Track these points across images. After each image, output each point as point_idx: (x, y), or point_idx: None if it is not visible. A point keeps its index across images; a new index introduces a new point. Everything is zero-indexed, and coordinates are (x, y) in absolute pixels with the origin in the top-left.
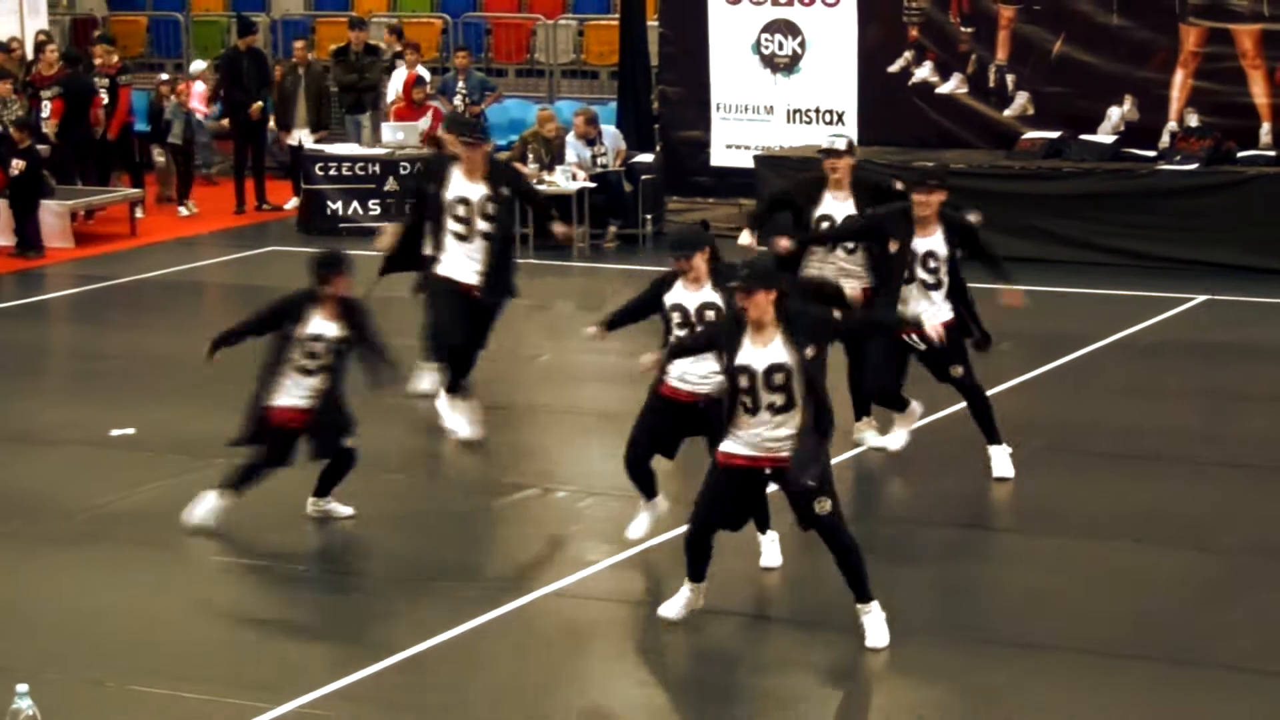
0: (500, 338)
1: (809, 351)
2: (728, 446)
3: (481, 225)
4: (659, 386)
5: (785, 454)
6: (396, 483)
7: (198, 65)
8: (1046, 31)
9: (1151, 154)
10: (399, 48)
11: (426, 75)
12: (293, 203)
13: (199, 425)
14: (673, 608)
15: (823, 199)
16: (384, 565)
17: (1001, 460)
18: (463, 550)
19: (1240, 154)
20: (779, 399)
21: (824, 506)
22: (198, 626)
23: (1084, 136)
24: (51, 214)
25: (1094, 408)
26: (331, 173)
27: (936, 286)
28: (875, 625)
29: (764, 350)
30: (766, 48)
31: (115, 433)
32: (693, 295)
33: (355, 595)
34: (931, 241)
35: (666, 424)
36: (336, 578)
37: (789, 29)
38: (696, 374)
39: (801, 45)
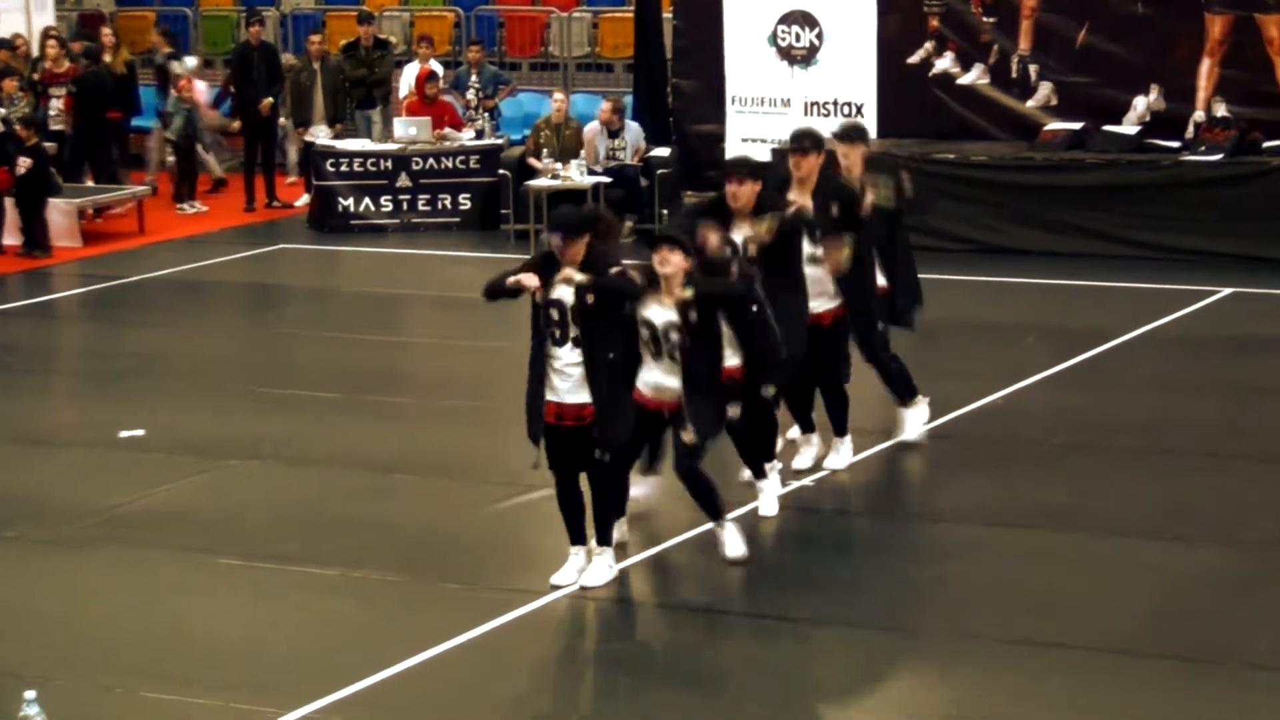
0: (507, 335)
1: (589, 299)
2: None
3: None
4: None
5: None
6: (408, 484)
7: (190, 62)
8: (1070, 20)
9: (1176, 145)
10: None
11: (439, 70)
12: (303, 199)
13: (210, 426)
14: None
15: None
16: (396, 568)
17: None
18: (476, 553)
19: (1266, 144)
20: (558, 331)
21: (604, 456)
22: (209, 630)
23: (1107, 127)
24: (59, 213)
25: (1118, 402)
26: (343, 169)
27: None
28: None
29: (567, 289)
30: (783, 39)
31: (124, 434)
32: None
33: (368, 599)
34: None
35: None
36: (349, 581)
37: (806, 20)
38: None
39: (819, 36)
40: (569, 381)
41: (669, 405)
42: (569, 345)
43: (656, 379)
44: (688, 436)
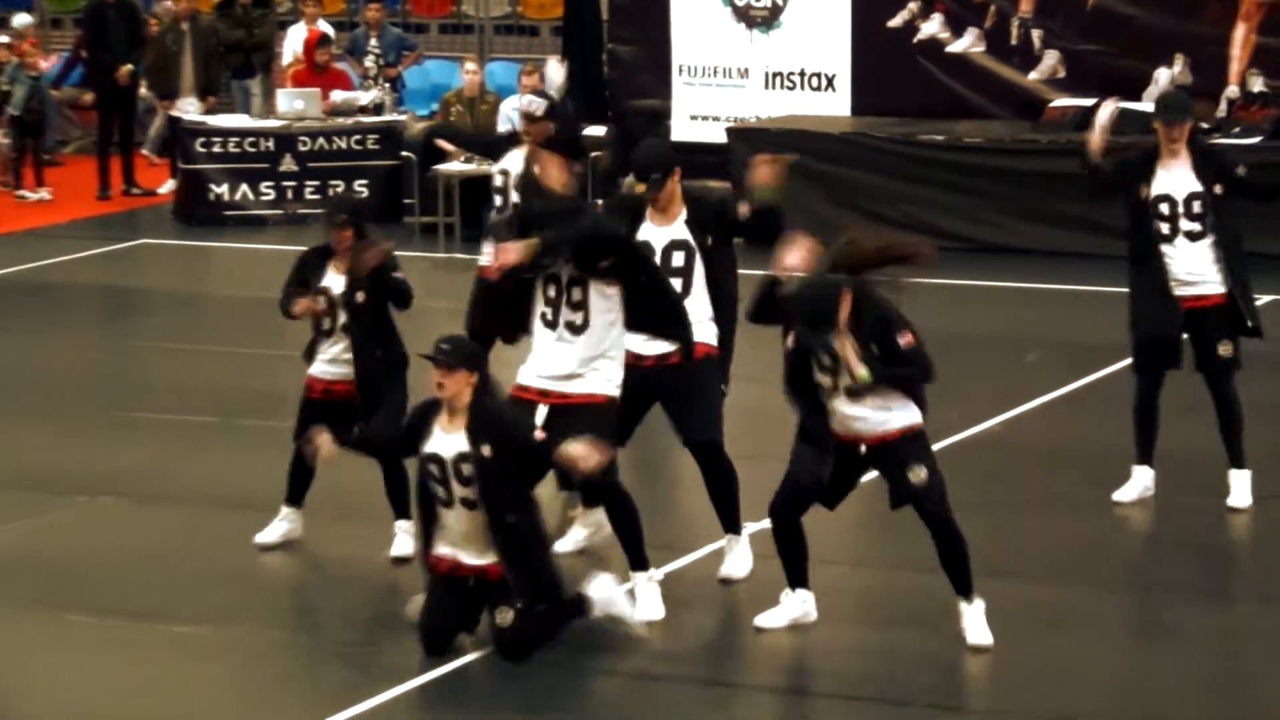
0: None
1: (485, 451)
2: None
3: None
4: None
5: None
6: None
7: (22, 19)
8: None
9: (1205, 126)
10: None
11: (331, 32)
12: (168, 186)
13: (55, 456)
14: None
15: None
16: (278, 625)
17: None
18: (375, 608)
19: None
20: (470, 493)
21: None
22: (55, 700)
23: (1125, 104)
24: None
25: None
26: (215, 150)
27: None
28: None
29: (453, 438)
30: None
31: None
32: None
33: (244, 662)
34: None
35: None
36: (222, 641)
37: None
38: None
39: None
40: (466, 543)
41: (871, 439)
42: (457, 507)
43: (845, 409)
44: (916, 476)
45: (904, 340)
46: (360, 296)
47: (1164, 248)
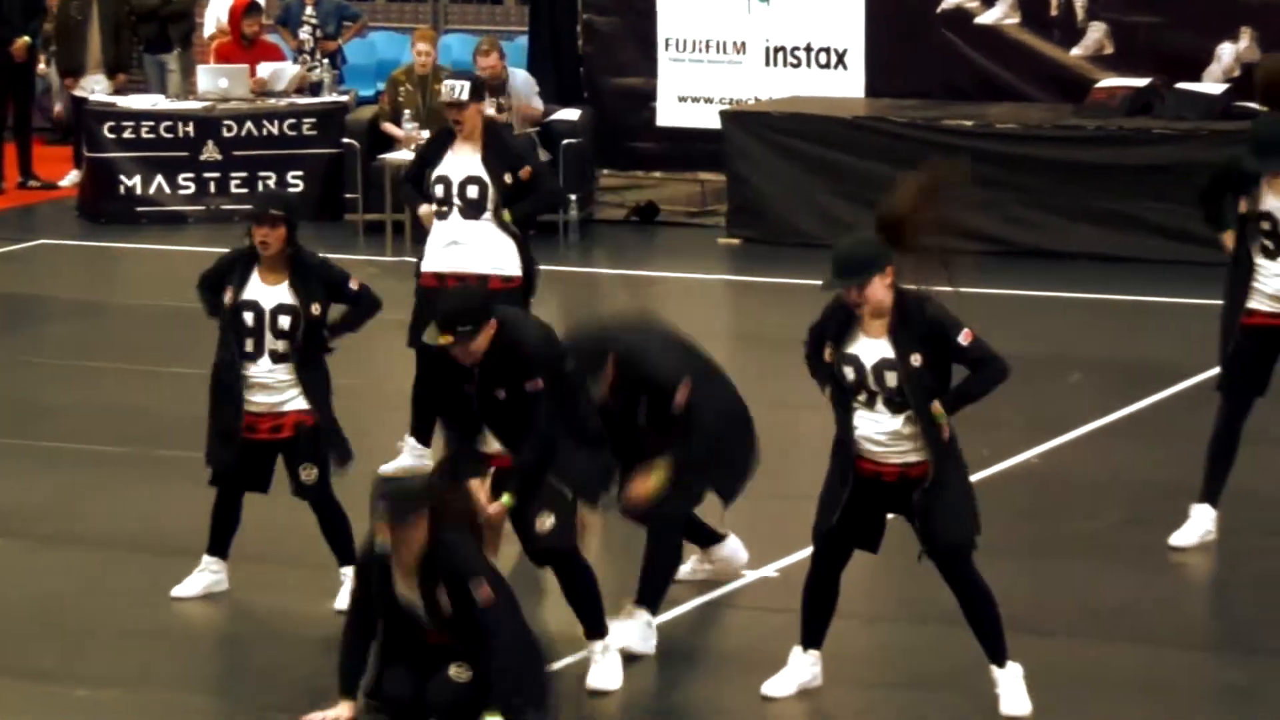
0: (372, 366)
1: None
2: None
3: None
4: (849, 458)
5: None
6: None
7: None
8: None
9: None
10: None
11: (261, 0)
12: (72, 177)
13: None
14: None
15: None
16: (193, 687)
17: None
18: (305, 667)
19: None
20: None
21: None
22: None
23: (1182, 85)
24: None
25: (1195, 465)
26: (126, 135)
27: None
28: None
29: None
30: None
31: None
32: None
33: None
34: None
35: (860, 507)
36: (130, 705)
37: None
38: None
39: None
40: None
41: (890, 471)
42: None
43: (871, 429)
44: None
45: (965, 339)
46: (315, 309)
47: (1263, 262)
